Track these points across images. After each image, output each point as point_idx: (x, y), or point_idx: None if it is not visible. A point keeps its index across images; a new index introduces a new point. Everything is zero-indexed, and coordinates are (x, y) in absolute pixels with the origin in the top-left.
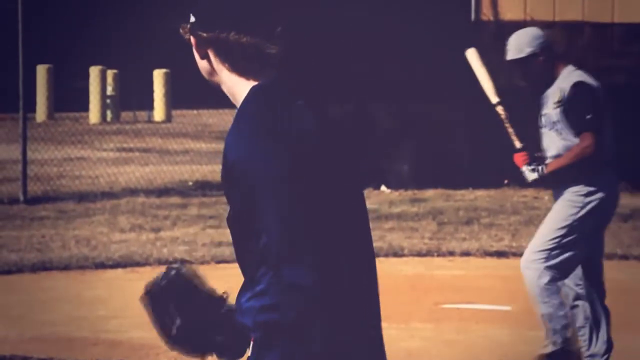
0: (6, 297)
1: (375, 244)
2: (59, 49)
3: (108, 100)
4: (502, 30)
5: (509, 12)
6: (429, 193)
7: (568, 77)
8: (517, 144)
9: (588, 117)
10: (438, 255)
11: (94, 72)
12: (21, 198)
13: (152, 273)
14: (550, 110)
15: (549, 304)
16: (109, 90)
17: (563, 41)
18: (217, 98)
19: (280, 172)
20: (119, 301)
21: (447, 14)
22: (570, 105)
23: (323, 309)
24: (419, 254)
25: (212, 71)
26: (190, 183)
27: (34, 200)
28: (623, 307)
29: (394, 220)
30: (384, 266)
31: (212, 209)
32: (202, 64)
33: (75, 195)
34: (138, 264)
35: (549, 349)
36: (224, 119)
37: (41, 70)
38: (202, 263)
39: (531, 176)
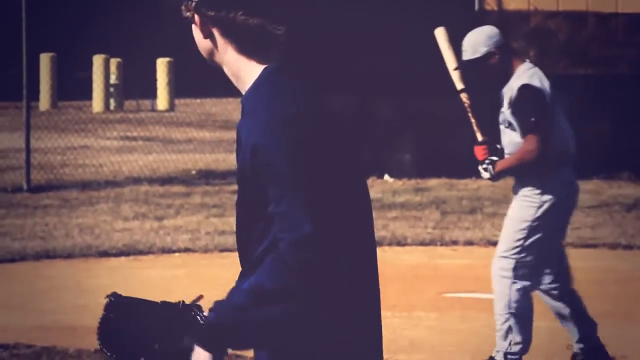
0: (9, 285)
1: (378, 233)
2: (62, 38)
3: (111, 89)
4: (506, 20)
5: (513, 2)
6: (432, 182)
7: (519, 77)
8: (479, 137)
9: (532, 120)
10: (441, 245)
11: (98, 60)
12: (24, 186)
13: (155, 261)
14: (505, 109)
15: (517, 317)
16: (113, 79)
17: (567, 31)
18: (220, 87)
19: (300, 157)
20: (122, 289)
21: (451, 4)
22: (515, 108)
23: (327, 294)
24: (422, 244)
25: (215, 51)
26: (194, 172)
27: (37, 189)
28: (627, 297)
29: (397, 209)
30: (387, 255)
31: (216, 198)
32: (204, 44)
33: (79, 184)
34: (141, 253)
35: (498, 357)
36: (227, 108)
37: (44, 59)
38: (206, 251)
39: (484, 174)
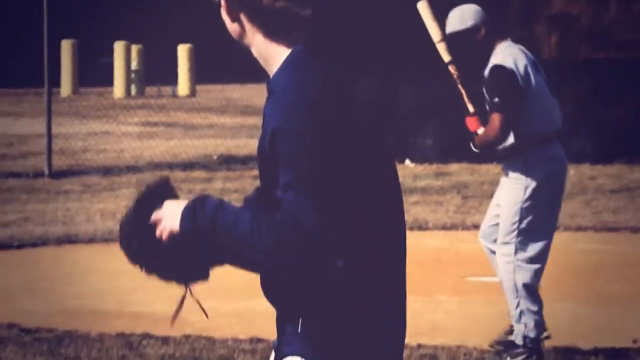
0: (31, 270)
1: None
2: (83, 24)
3: (132, 75)
4: (528, 4)
5: None
6: (454, 167)
7: (496, 56)
8: (470, 108)
9: (495, 100)
10: (462, 229)
11: (119, 46)
12: (46, 172)
13: None
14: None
15: (526, 301)
16: (134, 65)
17: (589, 15)
18: (241, 73)
19: (317, 146)
20: (143, 274)
21: None
22: (485, 88)
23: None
24: (444, 228)
25: (243, 34)
26: (215, 157)
27: (59, 174)
28: None
29: (418, 194)
30: (408, 240)
31: (237, 183)
32: (232, 27)
33: (100, 169)
34: None
35: (517, 340)
36: (248, 94)
37: (66, 45)
38: None
39: (473, 146)
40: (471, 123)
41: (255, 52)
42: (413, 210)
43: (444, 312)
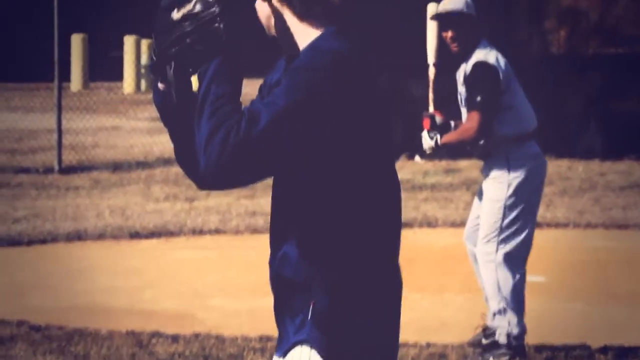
0: (41, 266)
1: (409, 215)
2: (94, 19)
3: (142, 70)
4: (538, 1)
5: None
6: (463, 163)
7: (476, 54)
8: (430, 108)
9: (477, 98)
10: None
11: (129, 41)
12: (56, 167)
13: (186, 242)
14: (461, 87)
15: (508, 298)
16: (144, 59)
17: (598, 10)
18: (250, 68)
19: (324, 93)
20: (154, 271)
21: None
22: (467, 84)
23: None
24: (453, 225)
25: (271, 16)
26: None
27: (68, 170)
28: None
29: (427, 190)
30: (418, 237)
31: None
32: (262, 8)
33: (110, 165)
34: (172, 234)
35: (501, 339)
36: (257, 89)
37: (76, 40)
38: (236, 233)
39: (427, 143)
40: (425, 122)
41: (280, 34)
42: (422, 207)
43: (452, 309)
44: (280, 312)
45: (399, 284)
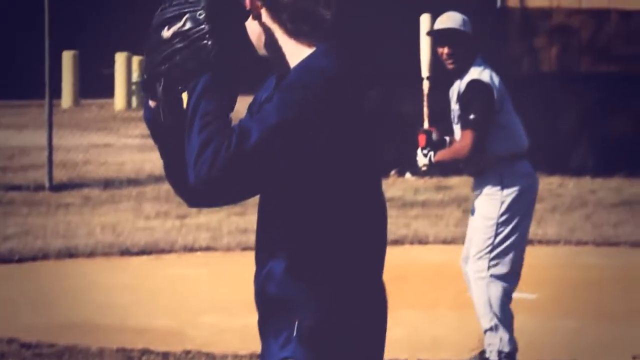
0: (32, 284)
1: (400, 232)
2: (84, 36)
3: (133, 87)
4: (529, 17)
5: None
6: (454, 180)
7: (470, 73)
8: (425, 125)
9: (471, 116)
10: (463, 243)
11: (120, 58)
12: (47, 184)
13: (177, 260)
14: (454, 105)
15: (499, 315)
16: (135, 76)
17: (589, 28)
18: (242, 86)
19: (311, 112)
20: (145, 288)
21: (473, 1)
22: (461, 102)
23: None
24: (444, 242)
25: (262, 34)
26: None
27: (59, 187)
28: None
29: (419, 207)
30: (409, 254)
31: None
32: (252, 27)
33: (101, 182)
34: (163, 251)
35: (492, 356)
36: (246, 106)
37: (67, 57)
38: (228, 250)
39: (422, 160)
40: (420, 139)
41: (271, 52)
42: (413, 224)
43: (444, 326)
44: (265, 328)
45: (384, 300)
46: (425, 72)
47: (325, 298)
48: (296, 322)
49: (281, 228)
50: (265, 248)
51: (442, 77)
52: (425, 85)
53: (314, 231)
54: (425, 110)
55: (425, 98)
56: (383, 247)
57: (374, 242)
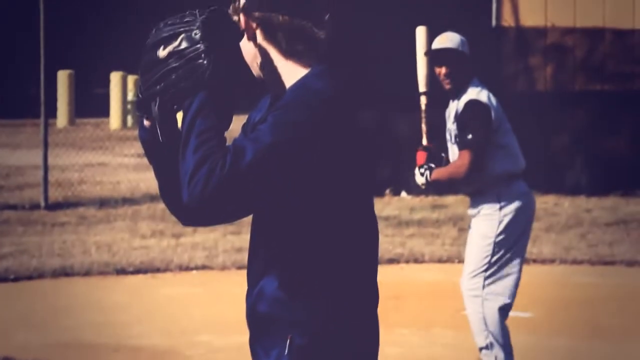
0: (27, 302)
1: (395, 250)
2: (80, 55)
3: (129, 106)
4: (523, 36)
5: (530, 18)
6: (450, 199)
7: (468, 93)
8: (424, 142)
9: (469, 136)
10: (459, 262)
11: (115, 77)
12: (42, 204)
13: (173, 279)
14: (451, 125)
15: (495, 333)
16: (130, 95)
17: (584, 47)
18: (237, 106)
19: (306, 134)
20: (140, 307)
21: (468, 21)
22: (459, 122)
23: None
24: (440, 261)
25: (257, 55)
26: None
27: (55, 206)
28: None
29: (414, 226)
30: (404, 272)
31: None
32: (247, 47)
33: (96, 201)
34: (159, 270)
35: None
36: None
37: (62, 76)
38: (223, 269)
39: (419, 179)
40: (420, 156)
41: (265, 73)
42: (409, 242)
43: (440, 345)
44: (256, 347)
45: (375, 319)
46: (422, 87)
47: (316, 317)
48: (287, 341)
49: (274, 247)
50: (257, 267)
51: (438, 96)
52: (423, 100)
53: (306, 250)
54: (423, 126)
55: (423, 114)
56: (374, 267)
57: (365, 261)
